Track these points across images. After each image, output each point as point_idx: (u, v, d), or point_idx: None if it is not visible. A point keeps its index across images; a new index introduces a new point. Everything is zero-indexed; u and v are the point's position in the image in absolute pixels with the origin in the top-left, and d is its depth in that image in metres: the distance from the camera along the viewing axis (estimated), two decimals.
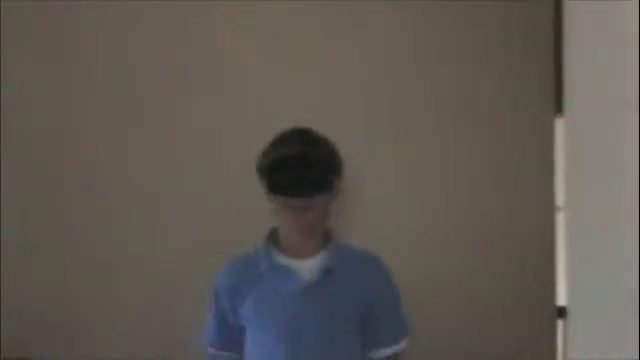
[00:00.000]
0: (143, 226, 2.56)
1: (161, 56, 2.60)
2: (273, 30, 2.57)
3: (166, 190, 2.58)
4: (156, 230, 2.56)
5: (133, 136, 2.60)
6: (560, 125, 2.46)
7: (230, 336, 2.19)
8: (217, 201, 2.54)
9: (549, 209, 2.55)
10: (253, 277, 2.15)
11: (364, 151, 2.51)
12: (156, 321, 2.52)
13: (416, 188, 2.55)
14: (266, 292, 2.12)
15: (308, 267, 2.12)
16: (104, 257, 2.57)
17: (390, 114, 2.56)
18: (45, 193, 2.59)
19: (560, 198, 2.54)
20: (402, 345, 2.19)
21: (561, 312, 2.57)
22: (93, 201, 2.59)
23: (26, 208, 2.58)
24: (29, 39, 2.58)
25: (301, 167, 2.05)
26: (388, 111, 2.56)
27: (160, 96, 2.60)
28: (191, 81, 2.59)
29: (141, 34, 2.59)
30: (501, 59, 2.54)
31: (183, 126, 2.59)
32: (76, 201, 2.59)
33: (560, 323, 2.62)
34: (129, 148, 2.60)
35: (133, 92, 2.60)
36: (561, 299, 2.53)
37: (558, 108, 2.48)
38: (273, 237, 2.19)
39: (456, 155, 2.55)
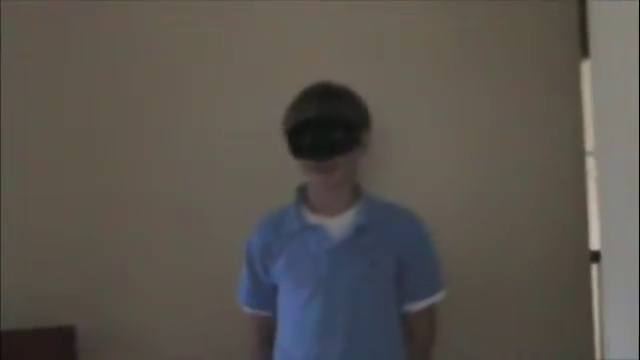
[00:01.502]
0: (179, 196, 2.57)
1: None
2: None
3: (192, 164, 2.59)
4: (194, 198, 2.57)
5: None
6: (587, 68, 2.43)
7: (264, 295, 2.21)
8: (251, 159, 2.54)
9: (579, 154, 2.53)
10: (284, 237, 2.16)
11: (394, 105, 2.49)
12: (197, 289, 2.54)
13: (445, 139, 2.53)
14: (297, 252, 2.13)
15: (338, 225, 2.12)
16: (145, 228, 2.58)
17: (420, 64, 2.54)
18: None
19: (590, 142, 2.52)
20: (437, 297, 2.19)
21: (596, 256, 2.56)
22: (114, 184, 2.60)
23: (61, 184, 2.60)
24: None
25: (320, 129, 2.05)
26: (418, 61, 2.54)
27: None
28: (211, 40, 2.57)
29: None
30: (525, 2, 2.50)
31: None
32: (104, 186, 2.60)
33: (595, 267, 2.62)
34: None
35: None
36: (595, 243, 2.52)
37: (584, 51, 2.45)
38: (302, 194, 2.20)
39: (484, 104, 2.53)
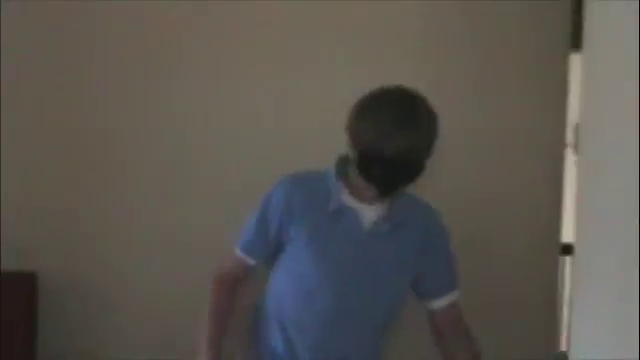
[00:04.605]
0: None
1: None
2: None
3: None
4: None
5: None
6: (576, 61, 2.43)
7: (263, 248, 2.08)
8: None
9: (559, 144, 2.53)
10: (315, 207, 2.03)
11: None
12: (163, 243, 2.54)
13: None
14: (325, 230, 2.02)
15: (372, 213, 2.01)
16: (114, 177, 2.57)
17: (407, 57, 2.54)
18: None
19: (569, 135, 2.53)
20: (457, 293, 2.12)
21: (568, 249, 2.57)
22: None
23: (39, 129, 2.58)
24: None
25: (394, 164, 1.90)
26: (407, 55, 2.54)
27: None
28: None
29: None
30: None
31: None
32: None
33: (566, 260, 2.64)
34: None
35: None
36: (568, 236, 2.53)
37: (574, 44, 2.45)
38: (342, 167, 2.05)
39: (471, 89, 2.52)
